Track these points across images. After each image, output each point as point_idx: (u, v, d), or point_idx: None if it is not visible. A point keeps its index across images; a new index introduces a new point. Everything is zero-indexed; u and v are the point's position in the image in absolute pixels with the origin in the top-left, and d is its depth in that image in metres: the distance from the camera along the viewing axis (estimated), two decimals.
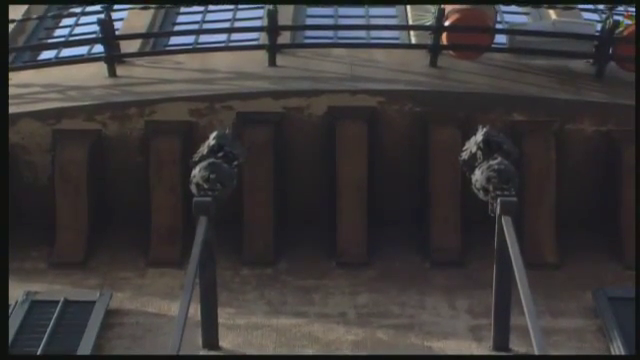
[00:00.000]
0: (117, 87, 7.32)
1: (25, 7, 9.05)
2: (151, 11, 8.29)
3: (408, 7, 8.46)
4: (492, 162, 5.94)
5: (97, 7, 7.96)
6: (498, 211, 5.79)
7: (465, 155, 6.14)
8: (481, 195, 5.97)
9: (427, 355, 6.05)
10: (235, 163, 6.15)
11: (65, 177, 7.05)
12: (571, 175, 7.17)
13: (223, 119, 7.07)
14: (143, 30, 8.19)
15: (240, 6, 8.80)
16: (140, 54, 7.75)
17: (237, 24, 8.56)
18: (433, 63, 7.46)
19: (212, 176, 5.96)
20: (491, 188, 5.86)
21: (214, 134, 6.25)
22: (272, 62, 7.46)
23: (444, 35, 7.47)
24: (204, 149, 6.18)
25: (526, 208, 6.88)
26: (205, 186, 5.96)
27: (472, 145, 6.12)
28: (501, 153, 6.00)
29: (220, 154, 6.13)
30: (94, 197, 7.17)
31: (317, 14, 8.77)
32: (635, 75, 7.13)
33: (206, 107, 7.13)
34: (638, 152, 6.85)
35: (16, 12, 8.86)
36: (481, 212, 6.06)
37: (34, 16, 8.70)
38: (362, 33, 8.25)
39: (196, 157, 6.16)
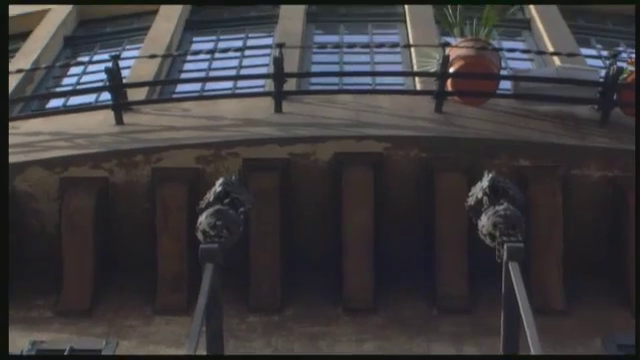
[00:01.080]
0: (124, 134, 7.32)
1: (34, 56, 9.09)
2: (158, 59, 8.32)
3: (413, 53, 8.48)
4: (498, 208, 5.91)
5: (105, 56, 7.98)
6: (505, 257, 5.74)
7: (471, 201, 6.11)
8: (488, 241, 5.93)
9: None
10: (241, 210, 6.12)
11: (72, 225, 7.02)
12: (578, 221, 7.13)
13: (229, 166, 7.07)
14: (150, 78, 8.21)
15: (246, 53, 8.84)
16: (147, 102, 7.76)
17: (243, 71, 8.59)
18: (438, 109, 7.47)
19: (218, 223, 5.94)
20: (498, 234, 5.83)
21: (220, 181, 6.23)
22: (278, 109, 7.47)
23: (449, 81, 7.48)
24: (210, 196, 6.15)
25: (533, 254, 6.83)
26: (211, 233, 5.92)
27: (478, 191, 6.10)
28: (507, 199, 5.98)
29: (226, 201, 6.10)
30: (100, 244, 7.13)
31: (322, 61, 8.81)
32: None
33: (212, 154, 7.12)
34: (638, 196, 6.80)
35: (25, 61, 8.91)
36: (488, 258, 6.00)
37: (43, 66, 8.74)
38: (367, 79, 8.27)
39: (202, 204, 6.14)
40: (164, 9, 9.82)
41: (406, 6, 9.63)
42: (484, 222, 5.91)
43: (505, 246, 5.74)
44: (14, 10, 9.98)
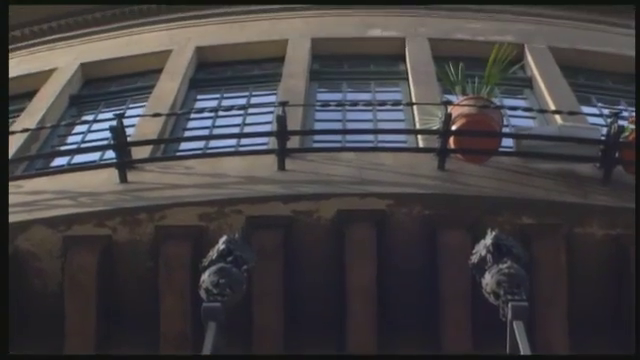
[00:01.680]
0: (128, 193, 7.32)
1: (40, 116, 9.13)
2: (162, 117, 8.35)
3: (415, 111, 8.51)
4: (502, 266, 5.88)
5: (109, 114, 8.01)
6: (509, 316, 5.69)
7: (475, 259, 6.08)
8: (492, 299, 5.87)
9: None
10: (245, 268, 6.09)
11: (75, 283, 6.98)
12: (582, 279, 7.07)
13: (233, 223, 7.05)
14: (154, 136, 8.23)
15: (250, 111, 8.87)
16: (151, 160, 7.77)
17: (247, 129, 8.62)
18: (441, 166, 7.46)
19: (222, 281, 5.90)
20: (502, 292, 5.78)
21: (223, 238, 6.21)
22: (281, 166, 7.47)
23: (451, 139, 7.49)
24: (213, 254, 6.12)
25: (537, 312, 6.77)
26: (214, 291, 5.88)
27: (482, 249, 6.07)
28: (511, 257, 5.94)
29: (229, 259, 6.07)
30: (103, 302, 7.08)
31: (325, 119, 8.83)
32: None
33: (216, 211, 7.11)
34: (638, 252, 6.79)
35: (31, 120, 8.94)
36: (492, 316, 5.95)
37: (48, 124, 8.77)
38: (370, 137, 8.28)
39: (205, 262, 6.11)
40: (168, 67, 9.88)
41: (408, 64, 9.69)
42: (488, 280, 5.87)
43: (509, 305, 5.69)
44: (19, 70, 10.06)
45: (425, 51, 9.88)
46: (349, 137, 8.27)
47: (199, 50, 10.33)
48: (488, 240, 6.06)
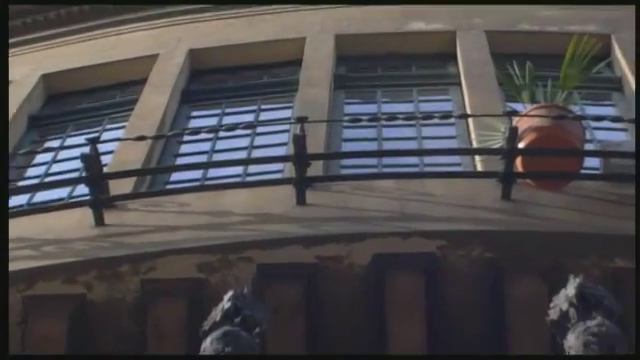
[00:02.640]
0: (105, 239, 7.33)
1: None
2: (148, 141, 8.38)
3: (471, 125, 8.51)
4: (590, 323, 5.86)
5: (80, 139, 8.05)
6: None
7: (554, 314, 6.06)
8: None
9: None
10: (256, 331, 6.12)
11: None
12: None
13: (240, 275, 7.09)
14: (138, 165, 8.25)
15: (259, 130, 8.92)
16: (135, 195, 7.78)
17: (255, 153, 8.66)
18: (506, 195, 7.45)
19: (228, 349, 5.94)
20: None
21: (229, 294, 6.24)
22: (301, 200, 7.49)
23: (518, 160, 7.47)
24: (217, 314, 6.16)
25: None
26: None
27: (562, 301, 6.05)
28: (601, 311, 5.93)
29: (237, 320, 6.10)
30: None
31: (356, 137, 8.86)
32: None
33: (218, 259, 7.14)
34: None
35: None
36: None
37: None
38: (413, 159, 8.31)
39: (207, 325, 6.14)
40: (154, 77, 9.94)
41: (460, 64, 9.70)
42: (572, 342, 5.85)
43: None
44: None
45: (482, 47, 9.90)
46: (386, 160, 8.29)
47: (193, 54, 10.39)
48: (571, 290, 6.05)
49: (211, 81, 10.25)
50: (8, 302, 6.51)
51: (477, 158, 8.09)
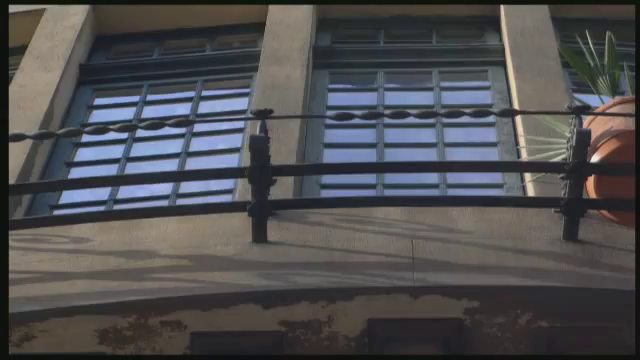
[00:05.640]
0: None
1: None
2: (27, 142, 8.36)
3: (519, 127, 8.53)
4: None
5: None
6: None
7: None
8: None
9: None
10: None
11: None
12: None
13: (165, 349, 7.27)
14: (12, 179, 8.23)
15: (198, 128, 8.94)
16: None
17: (192, 163, 8.69)
18: (571, 234, 7.52)
19: None
20: None
21: None
22: (260, 235, 7.55)
23: (590, 180, 7.49)
24: None
25: None
26: None
27: None
28: None
29: None
30: None
31: (344, 141, 8.95)
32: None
33: (132, 325, 7.24)
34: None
35: None
36: None
37: None
38: (432, 177, 8.39)
39: None
40: (37, 44, 9.93)
41: (505, 34, 9.76)
42: None
43: None
44: None
45: (537, 10, 9.97)
46: (390, 177, 8.37)
47: (97, 11, 10.45)
48: None
49: (125, 52, 10.32)
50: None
51: (527, 177, 8.14)
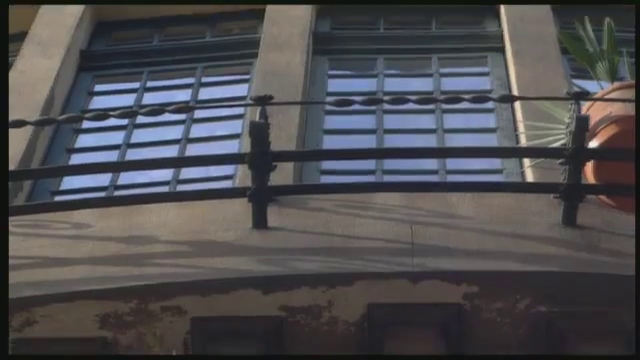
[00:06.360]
0: None
1: None
2: (27, 128, 8.36)
3: (518, 113, 8.54)
4: None
5: None
6: None
7: None
8: None
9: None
10: None
11: None
12: None
13: (165, 333, 7.26)
14: (12, 165, 8.23)
15: (198, 114, 8.95)
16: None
17: (192, 149, 8.70)
18: (569, 219, 7.52)
19: None
20: None
21: None
22: (260, 221, 7.55)
23: (589, 166, 7.51)
24: None
25: None
26: None
27: None
28: None
29: None
30: None
31: (344, 127, 8.93)
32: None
33: (133, 310, 7.25)
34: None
35: None
36: None
37: None
38: (431, 163, 8.41)
39: None
40: (38, 30, 9.94)
41: (504, 20, 9.77)
42: None
43: None
44: None
45: None
46: (390, 163, 8.39)
47: None
48: None
49: (125, 39, 10.32)
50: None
51: (527, 162, 8.15)
